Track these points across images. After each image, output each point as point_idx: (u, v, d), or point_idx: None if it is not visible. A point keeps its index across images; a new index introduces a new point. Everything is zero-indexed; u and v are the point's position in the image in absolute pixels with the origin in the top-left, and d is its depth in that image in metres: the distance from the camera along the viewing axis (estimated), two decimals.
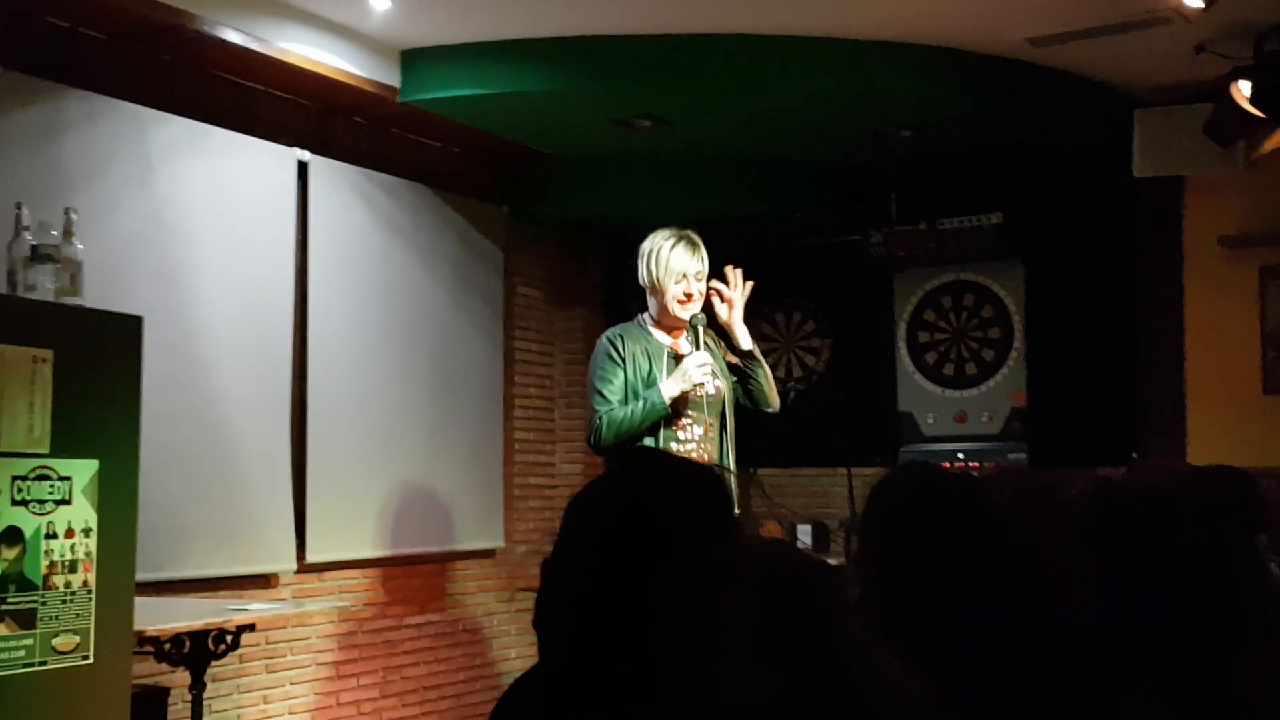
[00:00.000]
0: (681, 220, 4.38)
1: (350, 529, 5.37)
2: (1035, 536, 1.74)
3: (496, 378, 6.25)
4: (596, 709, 1.44)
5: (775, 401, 4.28)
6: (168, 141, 4.64)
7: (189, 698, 3.93)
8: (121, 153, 4.48)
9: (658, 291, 4.14)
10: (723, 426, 4.15)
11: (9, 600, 3.01)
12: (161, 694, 4.14)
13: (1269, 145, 5.17)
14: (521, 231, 6.45)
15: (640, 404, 4.01)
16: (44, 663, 3.08)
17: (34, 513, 3.06)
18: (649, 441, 4.01)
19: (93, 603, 3.19)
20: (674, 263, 4.11)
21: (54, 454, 3.12)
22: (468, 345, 6.05)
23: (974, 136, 5.81)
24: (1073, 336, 6.32)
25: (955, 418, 6.53)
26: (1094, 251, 6.29)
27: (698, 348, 4.08)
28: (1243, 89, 4.80)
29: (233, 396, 4.82)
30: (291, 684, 5.11)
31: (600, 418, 4.04)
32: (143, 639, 3.57)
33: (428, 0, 4.68)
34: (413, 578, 5.75)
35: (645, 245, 4.18)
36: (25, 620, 3.04)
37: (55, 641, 3.11)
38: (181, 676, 4.01)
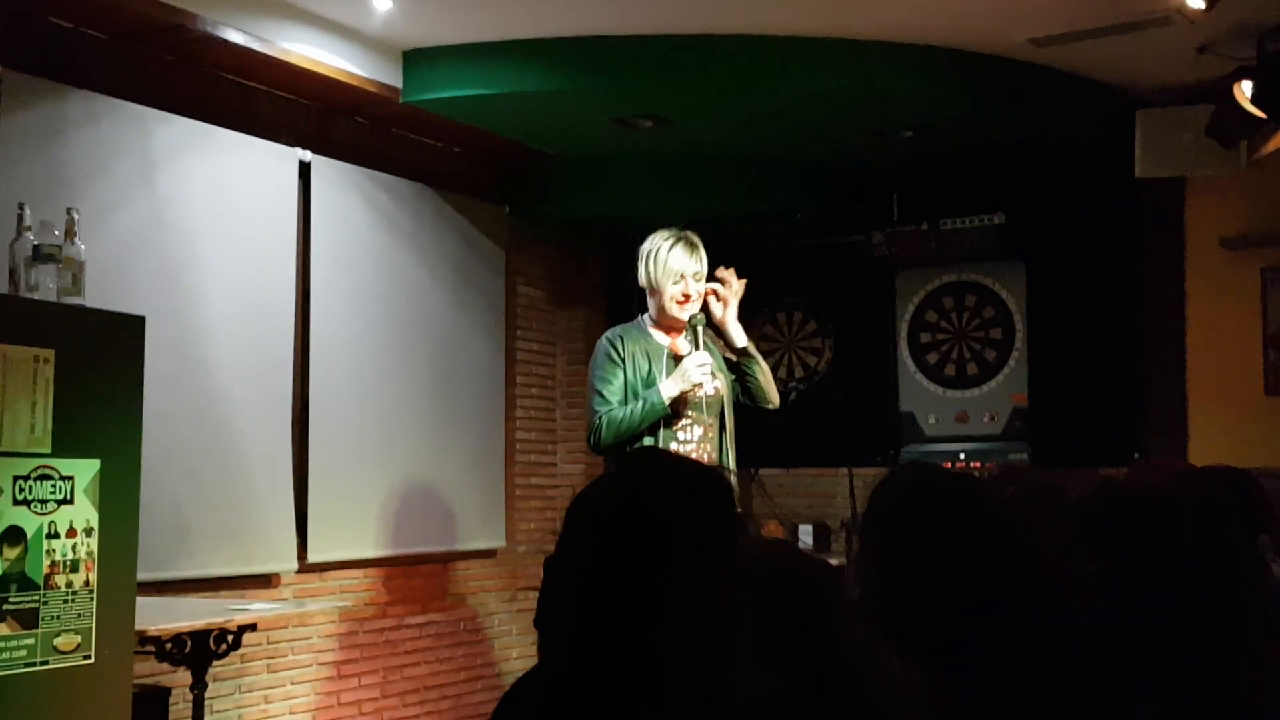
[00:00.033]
0: (683, 220, 4.38)
1: (352, 529, 5.37)
2: (1036, 536, 1.74)
3: (498, 377, 6.25)
4: (598, 709, 1.44)
5: (775, 398, 4.29)
6: (170, 141, 4.64)
7: (190, 697, 3.93)
8: (123, 153, 4.48)
9: (656, 292, 4.15)
10: (722, 427, 4.15)
11: (11, 600, 3.01)
12: (163, 694, 4.14)
13: (1271, 146, 5.17)
14: (523, 231, 6.45)
15: (640, 404, 4.01)
16: (45, 662, 3.08)
17: (36, 512, 3.07)
18: (648, 441, 4.02)
19: (94, 602, 3.19)
20: (672, 263, 4.11)
21: (56, 454, 3.12)
22: (469, 345, 6.06)
23: (975, 137, 5.81)
24: (1074, 337, 6.31)
25: (957, 418, 6.52)
26: (1096, 252, 6.29)
27: (697, 348, 4.08)
28: (1245, 90, 4.79)
29: (234, 396, 4.82)
30: (293, 684, 5.11)
31: (600, 418, 4.04)
32: (144, 639, 3.57)
33: (430, 0, 4.69)
34: (414, 577, 5.75)
35: (645, 246, 4.19)
36: (27, 620, 3.04)
37: (57, 641, 3.11)
38: (183, 676, 4.01)
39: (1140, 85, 5.51)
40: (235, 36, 4.54)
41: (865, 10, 4.74)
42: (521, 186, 6.28)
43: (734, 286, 4.23)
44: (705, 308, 4.18)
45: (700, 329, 4.12)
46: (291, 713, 5.09)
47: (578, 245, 6.82)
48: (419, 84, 5.21)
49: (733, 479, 3.99)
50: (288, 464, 5.06)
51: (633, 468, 1.70)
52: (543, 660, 1.61)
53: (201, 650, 3.84)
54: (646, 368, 4.09)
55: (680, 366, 4.04)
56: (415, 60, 5.20)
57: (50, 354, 3.12)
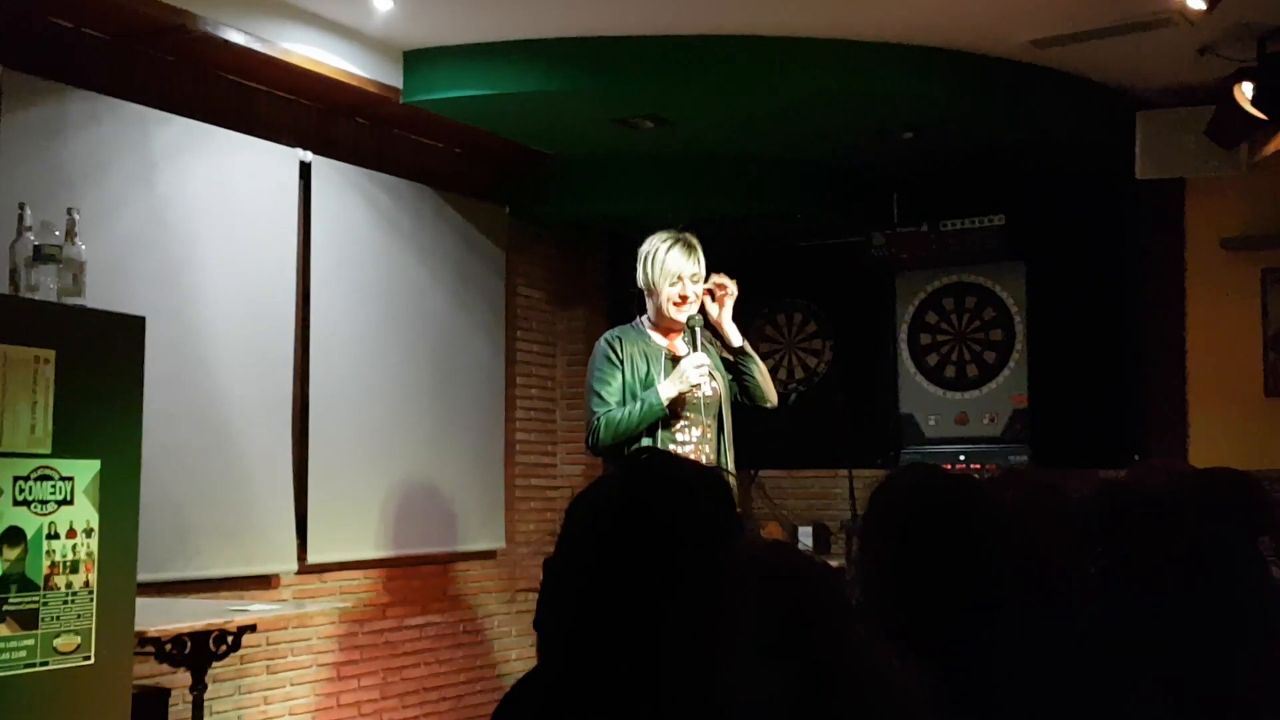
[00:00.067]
0: (683, 220, 4.39)
1: (351, 529, 5.37)
2: (1036, 537, 1.74)
3: (498, 378, 6.25)
4: (598, 710, 1.44)
5: (773, 397, 4.29)
6: (170, 141, 4.64)
7: (190, 698, 3.93)
8: (124, 153, 4.48)
9: (654, 294, 4.16)
10: (720, 428, 4.16)
11: (10, 601, 3.01)
12: (162, 695, 4.14)
13: (1271, 147, 5.17)
14: (523, 231, 6.45)
15: (638, 405, 4.01)
16: (45, 663, 3.08)
17: (35, 513, 3.07)
18: (647, 443, 4.02)
19: (94, 603, 3.19)
20: (669, 265, 4.12)
21: (56, 454, 3.12)
22: (469, 345, 6.06)
23: (976, 137, 5.81)
24: (1074, 338, 6.31)
25: (957, 419, 6.52)
26: (1096, 253, 6.29)
27: (695, 349, 4.09)
28: (1245, 91, 4.79)
29: (234, 396, 4.82)
30: (292, 685, 5.11)
31: (598, 419, 4.04)
32: (144, 639, 3.57)
33: (430, 1, 4.69)
34: (414, 579, 5.75)
35: (643, 248, 4.21)
36: (27, 621, 3.04)
37: (56, 642, 3.11)
38: (182, 677, 4.01)
39: (1141, 86, 5.51)
40: (236, 37, 4.54)
41: (865, 10, 4.74)
42: (522, 187, 6.29)
43: (729, 289, 4.25)
44: (701, 308, 4.19)
45: (698, 330, 4.13)
46: (291, 714, 5.09)
47: (578, 245, 6.82)
48: (419, 84, 5.22)
49: (732, 480, 3.99)
50: (288, 464, 5.06)
51: (633, 468, 1.70)
52: (542, 661, 1.62)
53: (201, 651, 3.84)
54: (645, 369, 4.10)
55: (678, 368, 4.05)
56: (416, 60, 5.20)
57: (50, 354, 3.12)
